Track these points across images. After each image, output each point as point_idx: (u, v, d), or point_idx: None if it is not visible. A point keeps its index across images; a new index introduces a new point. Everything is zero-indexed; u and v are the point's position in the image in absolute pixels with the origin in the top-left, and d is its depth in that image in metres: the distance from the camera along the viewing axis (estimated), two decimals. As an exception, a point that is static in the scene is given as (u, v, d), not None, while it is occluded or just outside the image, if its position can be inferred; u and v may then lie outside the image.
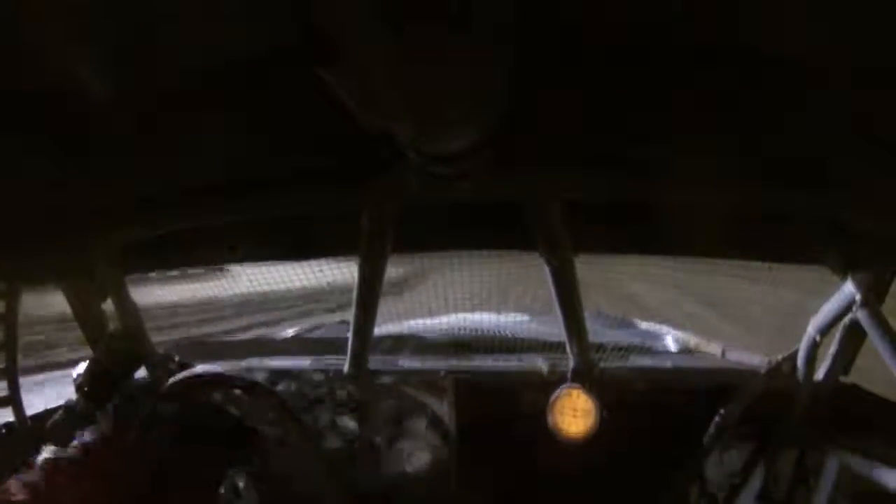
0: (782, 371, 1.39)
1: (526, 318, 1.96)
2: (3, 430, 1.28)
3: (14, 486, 0.87)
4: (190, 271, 1.62)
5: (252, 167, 0.93)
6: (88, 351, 1.32)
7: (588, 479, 1.53)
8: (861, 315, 1.14)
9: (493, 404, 1.50)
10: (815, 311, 1.27)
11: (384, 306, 1.37)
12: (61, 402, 1.25)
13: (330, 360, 1.52)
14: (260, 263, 1.54)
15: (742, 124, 0.74)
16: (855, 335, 1.23)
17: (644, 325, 2.18)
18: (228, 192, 1.01)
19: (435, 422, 1.42)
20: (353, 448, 1.44)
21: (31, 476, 0.89)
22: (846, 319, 1.21)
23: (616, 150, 0.88)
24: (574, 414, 1.39)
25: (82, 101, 0.63)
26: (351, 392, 1.44)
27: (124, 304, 1.34)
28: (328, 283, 1.48)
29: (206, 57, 0.56)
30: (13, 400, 1.32)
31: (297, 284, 1.59)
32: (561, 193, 1.01)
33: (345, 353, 1.44)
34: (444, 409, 1.42)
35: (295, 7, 0.45)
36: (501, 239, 1.24)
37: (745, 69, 0.58)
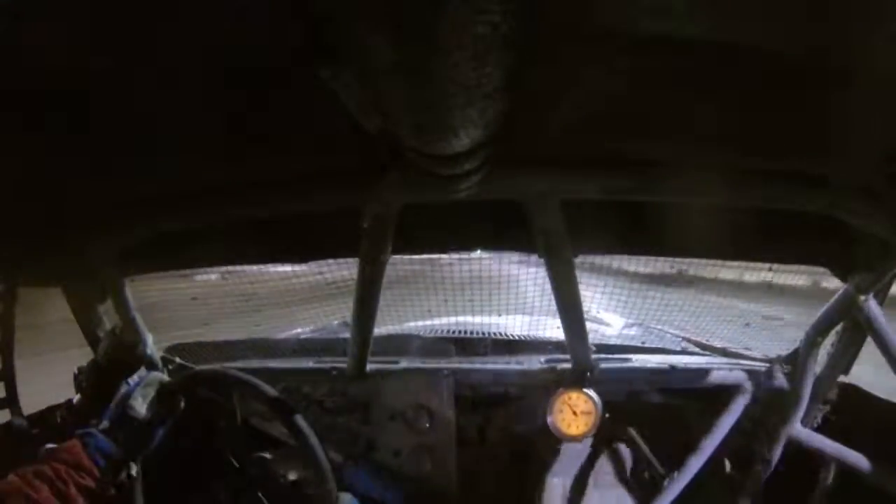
0: (782, 371, 1.39)
1: (526, 318, 1.96)
2: (2, 430, 1.28)
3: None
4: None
5: (252, 167, 0.93)
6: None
7: (587, 480, 1.53)
8: (861, 315, 1.14)
9: (493, 405, 1.50)
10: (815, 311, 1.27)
11: (384, 306, 1.37)
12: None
13: (330, 361, 1.52)
14: (260, 264, 1.54)
15: (742, 124, 0.74)
16: (855, 335, 1.23)
17: (644, 325, 2.18)
18: (228, 193, 1.01)
19: (435, 422, 1.42)
20: (353, 448, 1.44)
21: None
22: (846, 319, 1.21)
23: (616, 150, 0.88)
24: (574, 414, 1.40)
25: (82, 101, 0.63)
26: (351, 392, 1.44)
27: (124, 304, 1.34)
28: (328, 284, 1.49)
29: (206, 57, 0.56)
30: (11, 400, 1.32)
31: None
32: (561, 193, 1.01)
33: (345, 353, 1.44)
34: (444, 409, 1.42)
35: (295, 7, 0.45)
36: (501, 239, 1.24)
37: (745, 69, 0.58)
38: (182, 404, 1.09)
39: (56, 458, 0.88)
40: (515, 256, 1.46)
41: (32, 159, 0.77)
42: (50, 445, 0.92)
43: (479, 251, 1.43)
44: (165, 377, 1.10)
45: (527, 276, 1.59)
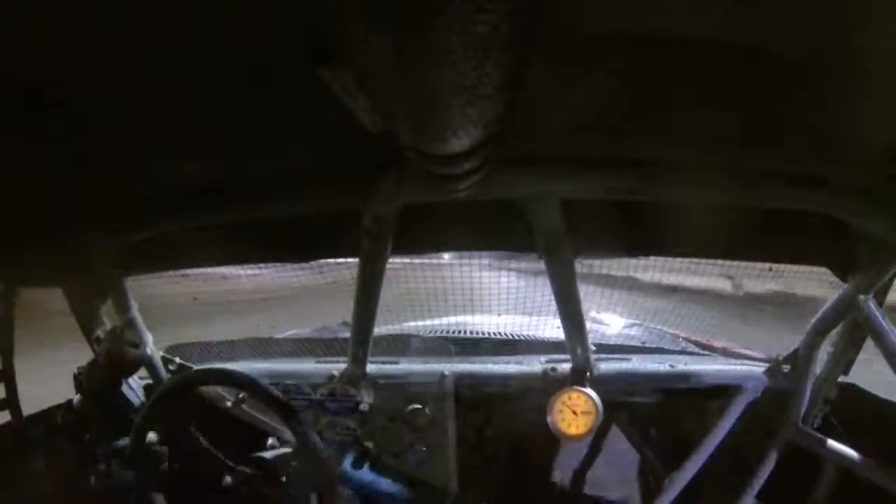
0: (782, 371, 1.39)
1: (526, 318, 1.96)
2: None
3: None
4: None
5: (252, 167, 0.93)
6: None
7: (587, 479, 1.53)
8: (861, 315, 1.14)
9: (493, 405, 1.50)
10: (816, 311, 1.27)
11: (384, 306, 1.37)
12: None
13: (330, 361, 1.52)
14: (260, 264, 1.54)
15: (743, 124, 0.74)
16: (855, 335, 1.23)
17: (644, 325, 2.18)
18: (228, 192, 1.01)
19: (435, 422, 1.42)
20: (353, 449, 1.44)
21: None
22: (846, 319, 1.21)
23: (616, 150, 0.88)
24: (574, 414, 1.39)
25: (82, 101, 0.63)
26: (351, 392, 1.44)
27: (124, 304, 1.34)
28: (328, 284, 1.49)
29: (207, 57, 0.56)
30: (11, 400, 1.32)
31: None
32: (561, 193, 1.01)
33: (345, 353, 1.44)
34: (444, 409, 1.42)
35: (295, 7, 0.45)
36: (501, 239, 1.24)
37: (745, 68, 0.58)
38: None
39: None
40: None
41: (33, 159, 0.77)
42: None
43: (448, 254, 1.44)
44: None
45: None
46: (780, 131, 0.75)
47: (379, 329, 1.45)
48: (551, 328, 1.74)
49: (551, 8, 0.46)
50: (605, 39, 0.54)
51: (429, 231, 1.20)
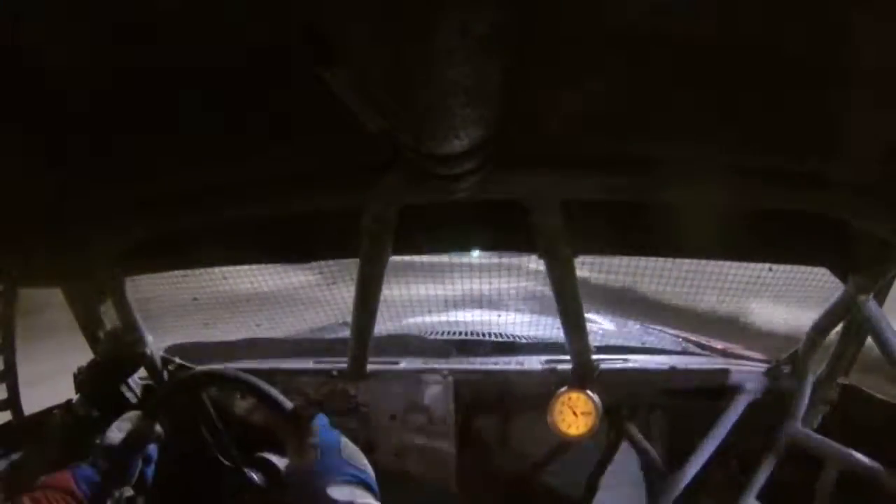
0: (782, 371, 1.39)
1: (527, 318, 1.96)
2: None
3: None
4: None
5: (252, 167, 0.93)
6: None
7: (587, 480, 1.53)
8: (861, 315, 1.14)
9: (493, 405, 1.50)
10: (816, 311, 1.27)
11: (384, 305, 1.37)
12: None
13: (330, 361, 1.52)
14: (260, 264, 1.54)
15: (742, 124, 0.74)
16: (855, 335, 1.23)
17: (644, 324, 2.18)
18: (228, 193, 1.01)
19: (435, 422, 1.42)
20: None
21: None
22: (846, 319, 1.21)
23: (616, 150, 0.88)
24: (574, 415, 1.39)
25: (82, 101, 0.63)
26: (351, 392, 1.44)
27: (124, 304, 1.34)
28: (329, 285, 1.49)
29: (206, 56, 0.56)
30: (12, 400, 1.32)
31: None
32: (561, 193, 1.01)
33: (345, 353, 1.44)
34: (444, 409, 1.42)
35: (295, 7, 0.45)
36: (501, 239, 1.24)
37: (745, 68, 0.58)
38: (160, 432, 1.10)
39: (49, 487, 0.93)
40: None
41: (33, 159, 0.77)
42: (44, 477, 0.96)
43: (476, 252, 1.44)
44: (139, 413, 1.11)
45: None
46: (779, 131, 0.75)
47: (379, 329, 1.44)
48: (551, 328, 1.74)
49: (551, 8, 0.46)
50: (604, 39, 0.54)
51: (429, 231, 1.20)
